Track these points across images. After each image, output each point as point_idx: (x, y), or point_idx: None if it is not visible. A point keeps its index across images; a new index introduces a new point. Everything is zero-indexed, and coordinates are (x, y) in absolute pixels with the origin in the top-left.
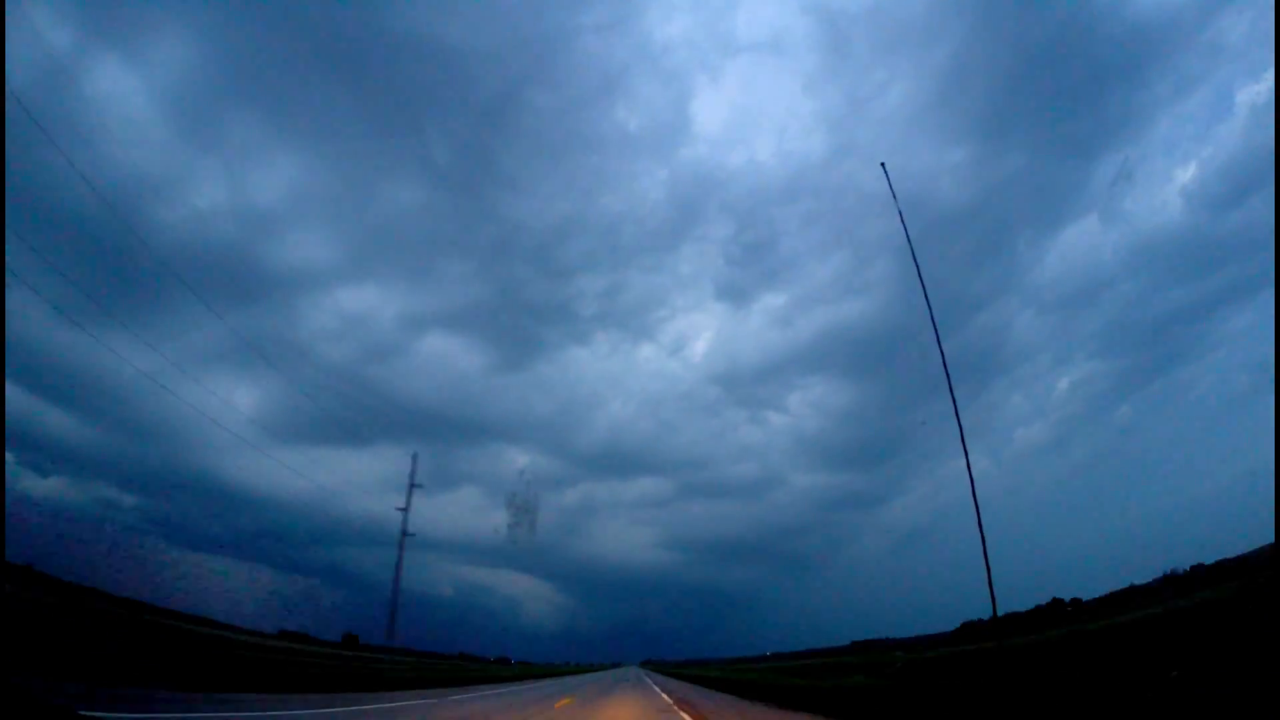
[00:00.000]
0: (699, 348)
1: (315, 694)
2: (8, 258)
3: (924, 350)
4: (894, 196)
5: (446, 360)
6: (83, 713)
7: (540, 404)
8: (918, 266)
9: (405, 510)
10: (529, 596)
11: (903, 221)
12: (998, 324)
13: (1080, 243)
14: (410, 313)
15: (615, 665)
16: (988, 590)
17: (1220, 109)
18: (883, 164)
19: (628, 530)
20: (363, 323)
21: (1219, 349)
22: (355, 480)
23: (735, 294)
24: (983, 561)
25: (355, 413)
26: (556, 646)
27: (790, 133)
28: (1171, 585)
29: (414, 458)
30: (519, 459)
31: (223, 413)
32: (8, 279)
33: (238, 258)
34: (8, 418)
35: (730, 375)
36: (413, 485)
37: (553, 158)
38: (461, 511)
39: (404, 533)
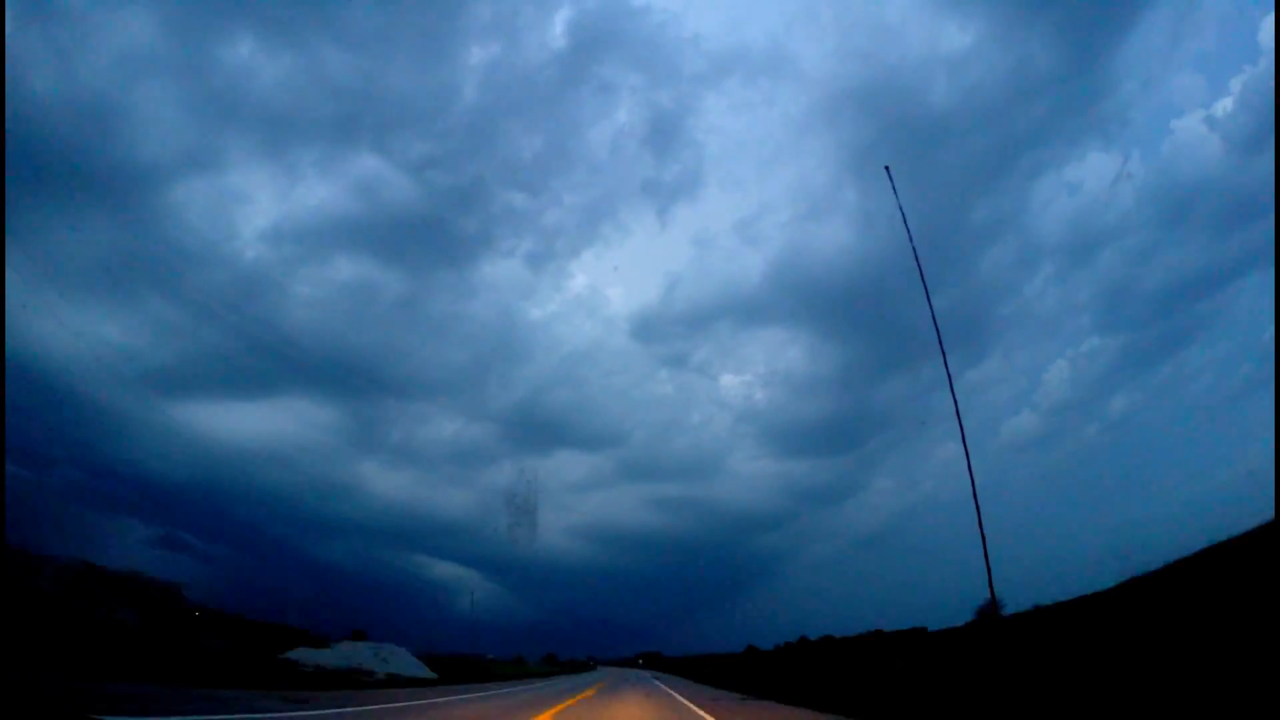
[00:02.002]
0: (626, 286)
1: None
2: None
3: (906, 305)
4: (896, 198)
5: (327, 288)
6: (93, 716)
7: (444, 354)
8: (920, 266)
9: None
10: (465, 587)
11: (905, 224)
12: (994, 279)
13: (1091, 178)
14: (281, 225)
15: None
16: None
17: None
18: (886, 167)
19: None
20: (227, 239)
21: (1233, 329)
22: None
23: (663, 211)
24: (983, 550)
25: (233, 355)
26: (519, 642)
27: None
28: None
29: None
30: (442, 425)
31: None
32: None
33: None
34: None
35: (662, 322)
36: None
37: None
38: (387, 487)
39: None
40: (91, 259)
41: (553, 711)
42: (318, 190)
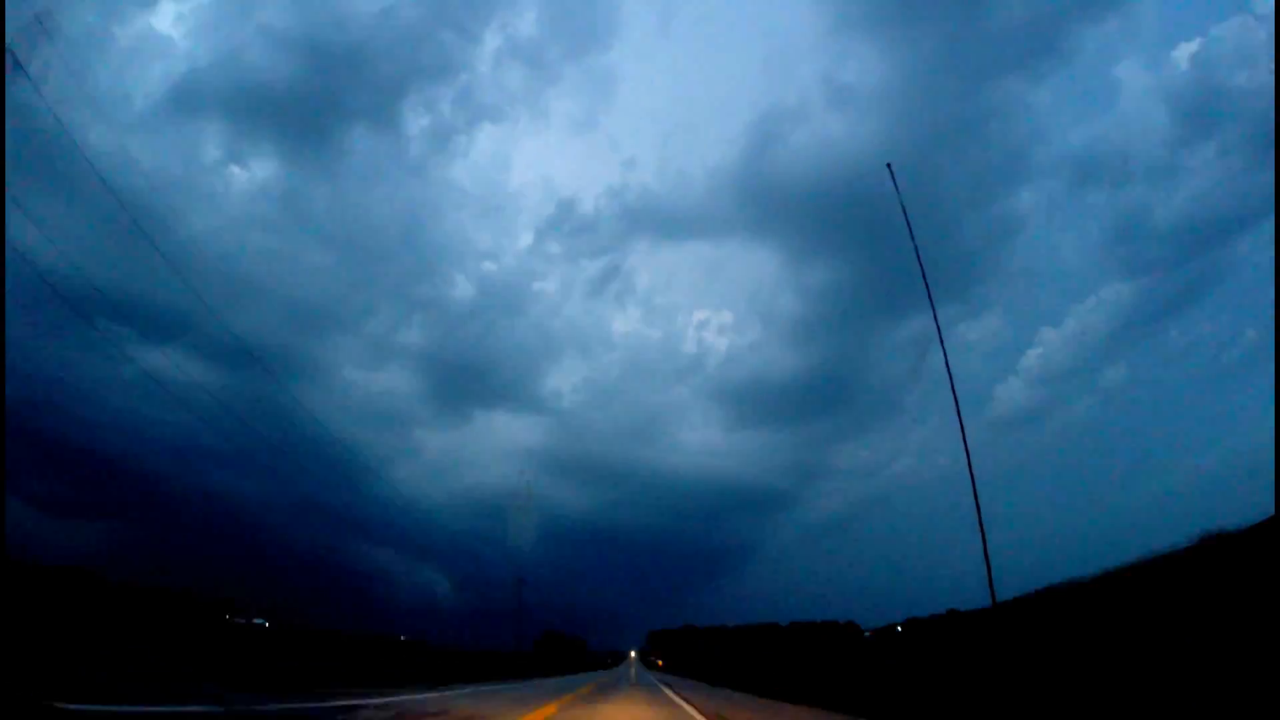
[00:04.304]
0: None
1: None
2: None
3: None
4: (899, 198)
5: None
6: (57, 705)
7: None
8: (922, 269)
9: None
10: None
11: (908, 223)
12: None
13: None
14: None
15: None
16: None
17: None
18: (889, 164)
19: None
20: None
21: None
22: None
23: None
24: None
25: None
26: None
27: None
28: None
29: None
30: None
31: None
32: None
33: None
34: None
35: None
36: None
37: None
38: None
39: None
40: None
41: None
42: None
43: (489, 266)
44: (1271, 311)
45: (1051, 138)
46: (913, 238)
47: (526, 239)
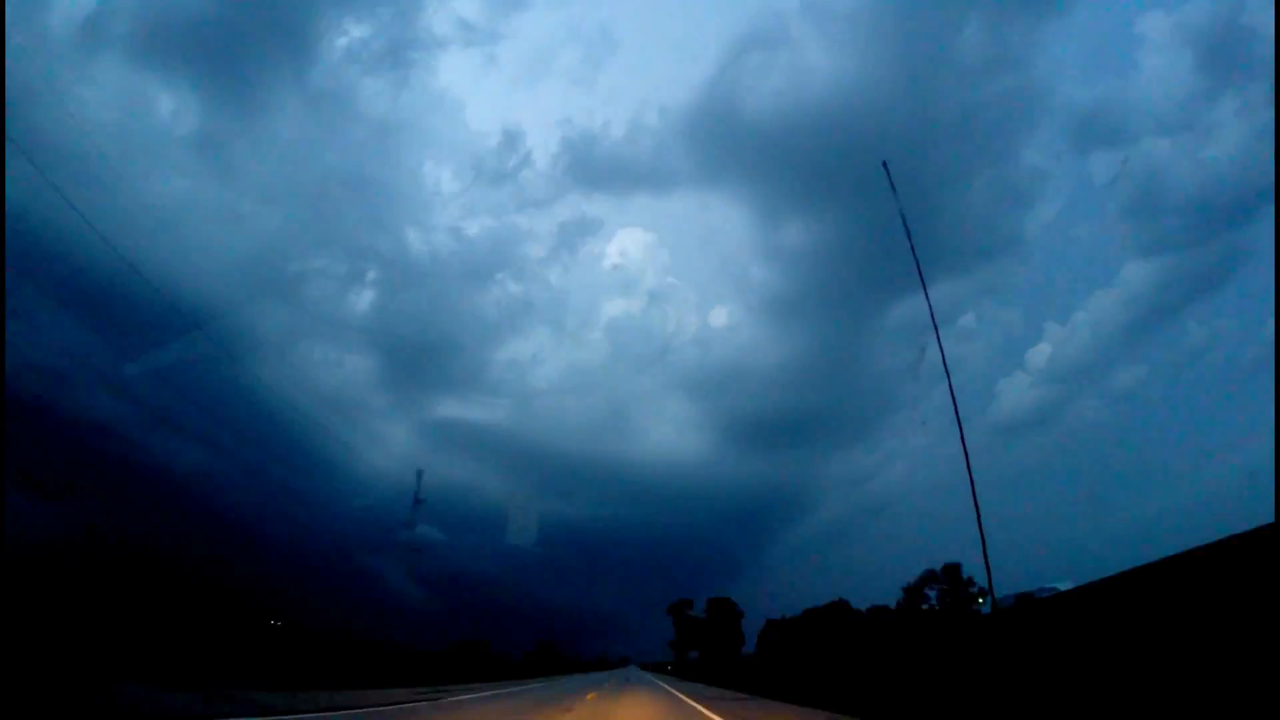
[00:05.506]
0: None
1: None
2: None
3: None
4: (895, 195)
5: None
6: None
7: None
8: (919, 265)
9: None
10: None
11: (904, 222)
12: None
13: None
14: None
15: None
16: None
17: None
18: (884, 162)
19: None
20: None
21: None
22: None
23: None
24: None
25: None
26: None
27: None
28: None
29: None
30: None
31: None
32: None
33: None
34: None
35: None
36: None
37: None
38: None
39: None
40: None
41: None
42: None
43: (429, 217)
44: None
45: (1061, 84)
46: (909, 236)
47: (470, 183)
